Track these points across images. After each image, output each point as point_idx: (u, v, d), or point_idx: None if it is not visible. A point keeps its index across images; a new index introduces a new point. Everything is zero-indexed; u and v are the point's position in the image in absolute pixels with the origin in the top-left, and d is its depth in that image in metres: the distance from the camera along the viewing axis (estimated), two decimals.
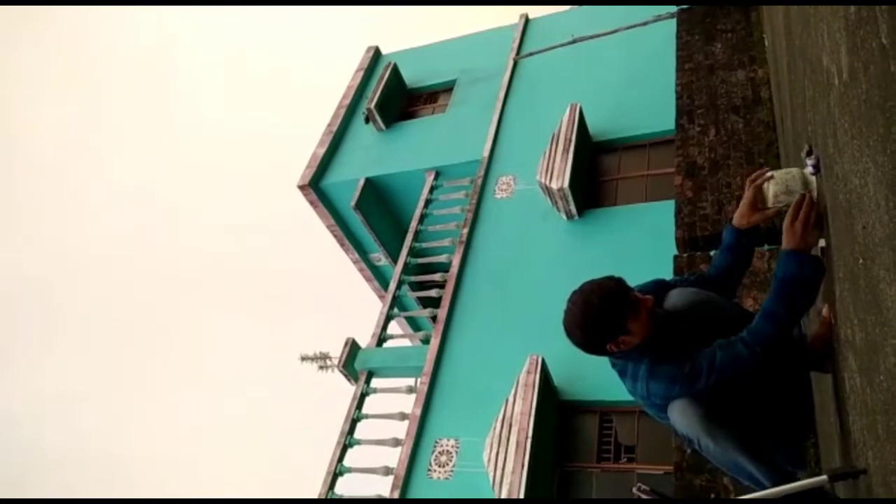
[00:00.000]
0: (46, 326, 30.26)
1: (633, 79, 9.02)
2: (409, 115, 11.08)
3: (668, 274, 5.15)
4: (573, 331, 1.90)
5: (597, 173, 8.40)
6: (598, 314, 1.84)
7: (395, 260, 9.56)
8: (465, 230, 8.47)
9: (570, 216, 7.83)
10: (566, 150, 7.94)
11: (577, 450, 6.42)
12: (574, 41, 9.72)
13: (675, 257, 5.30)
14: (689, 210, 5.61)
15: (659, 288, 2.11)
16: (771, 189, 1.94)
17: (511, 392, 6.28)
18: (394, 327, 8.92)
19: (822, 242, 2.00)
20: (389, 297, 8.42)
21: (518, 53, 10.65)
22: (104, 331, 32.04)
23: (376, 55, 12.23)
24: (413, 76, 11.45)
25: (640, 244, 7.03)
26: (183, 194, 32.83)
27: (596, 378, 6.28)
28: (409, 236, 8.97)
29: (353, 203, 9.78)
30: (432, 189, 9.44)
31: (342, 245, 10.63)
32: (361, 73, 11.83)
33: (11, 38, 29.08)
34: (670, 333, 1.91)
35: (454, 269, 8.07)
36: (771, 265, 4.81)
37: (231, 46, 33.91)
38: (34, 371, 28.48)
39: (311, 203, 10.31)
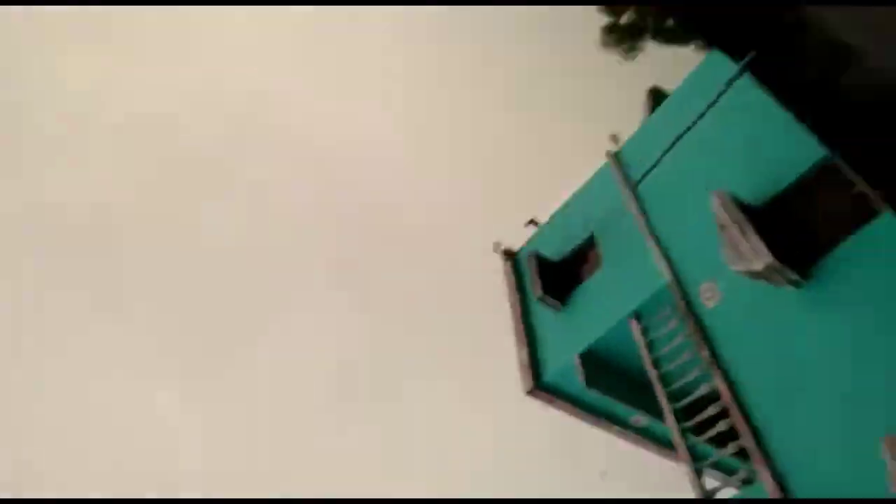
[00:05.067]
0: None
1: (748, 136, 9.36)
2: (575, 282, 11.77)
3: None
4: None
5: (790, 226, 8.16)
6: None
7: (655, 416, 9.50)
8: (704, 352, 8.44)
9: (796, 284, 7.67)
10: (744, 231, 8.05)
11: None
12: (674, 142, 10.37)
13: None
14: None
15: None
16: None
17: None
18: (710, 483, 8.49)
19: None
20: (682, 450, 8.27)
21: (628, 182, 11.36)
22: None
23: (511, 255, 13.48)
24: (553, 250, 12.40)
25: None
26: None
27: None
28: (657, 384, 9.01)
29: (583, 383, 10.12)
30: (644, 332, 9.65)
31: (598, 425, 10.75)
32: (509, 275, 12.99)
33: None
34: None
35: (725, 393, 7.92)
36: None
37: None
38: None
39: (548, 403, 10.75)
